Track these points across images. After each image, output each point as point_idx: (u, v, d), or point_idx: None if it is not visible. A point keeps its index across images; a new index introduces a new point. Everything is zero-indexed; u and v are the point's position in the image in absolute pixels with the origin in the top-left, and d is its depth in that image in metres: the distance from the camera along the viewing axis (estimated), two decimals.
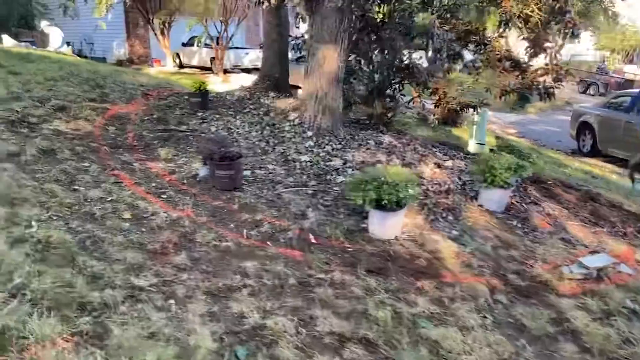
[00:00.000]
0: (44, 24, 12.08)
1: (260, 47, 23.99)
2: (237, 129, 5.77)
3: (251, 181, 4.53)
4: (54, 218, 3.21)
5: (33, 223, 3.05)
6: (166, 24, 20.67)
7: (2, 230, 2.90)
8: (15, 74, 6.68)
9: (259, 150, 5.18)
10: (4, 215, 3.05)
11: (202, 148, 4.61)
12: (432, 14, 5.81)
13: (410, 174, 3.90)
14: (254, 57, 22.04)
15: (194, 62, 22.71)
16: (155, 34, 21.25)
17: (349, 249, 3.56)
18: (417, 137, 7.05)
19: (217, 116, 6.43)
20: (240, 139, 5.45)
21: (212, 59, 21.48)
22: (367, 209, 3.80)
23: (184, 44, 22.90)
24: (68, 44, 19.24)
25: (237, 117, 6.25)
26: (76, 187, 3.79)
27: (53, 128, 4.93)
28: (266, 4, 6.81)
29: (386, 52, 6.22)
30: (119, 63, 23.81)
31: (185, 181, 4.35)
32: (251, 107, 7.21)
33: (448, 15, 6.30)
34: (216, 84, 18.54)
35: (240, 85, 9.26)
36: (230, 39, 18.88)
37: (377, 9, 6.46)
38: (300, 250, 3.43)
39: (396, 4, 5.63)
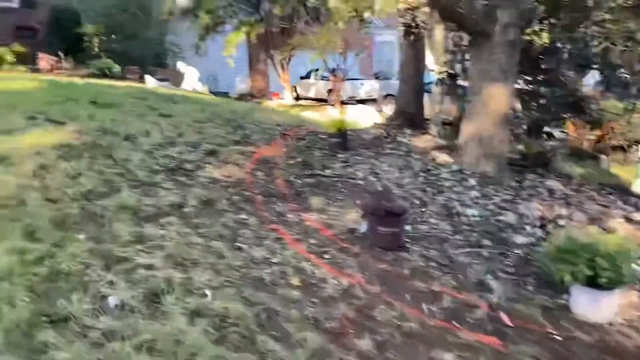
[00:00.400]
0: (180, 65, 12.82)
1: (376, 78, 23.87)
2: (386, 174, 5.38)
3: (414, 238, 4.07)
4: (226, 284, 2.99)
5: (207, 292, 2.84)
6: (286, 59, 21.35)
7: (179, 300, 2.71)
8: (166, 116, 6.95)
9: (417, 201, 4.72)
10: (179, 281, 2.88)
11: (361, 201, 4.25)
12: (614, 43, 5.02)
13: (629, 243, 3.17)
14: (369, 88, 21.97)
15: (311, 95, 23.16)
16: (276, 69, 22.06)
17: (556, 337, 2.93)
18: (581, 180, 6.18)
19: (359, 158, 6.12)
20: (392, 186, 5.03)
21: (329, 91, 21.75)
22: (570, 284, 3.14)
23: (301, 77, 23.52)
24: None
25: (381, 160, 5.89)
26: (240, 244, 3.59)
27: (208, 175, 4.90)
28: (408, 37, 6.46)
29: (552, 85, 5.51)
30: (241, 97, 25.10)
31: (343, 237, 4.00)
32: (389, 146, 6.83)
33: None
34: (334, 115, 18.67)
35: (374, 122, 8.93)
36: (349, 71, 18.90)
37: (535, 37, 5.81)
38: (497, 337, 2.87)
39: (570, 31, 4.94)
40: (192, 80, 12.99)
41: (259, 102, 22.69)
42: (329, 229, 4.10)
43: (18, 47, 12.06)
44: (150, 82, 11.60)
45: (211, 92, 29.02)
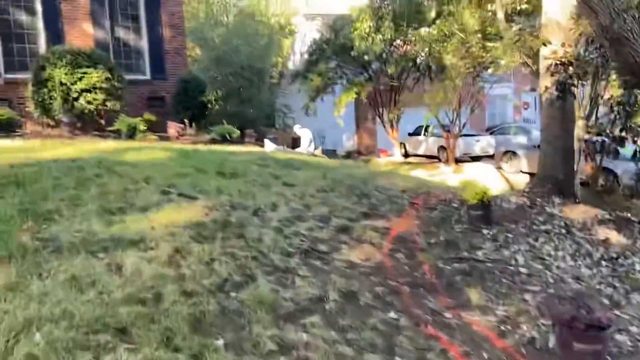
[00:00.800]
0: (296, 127, 12.80)
1: (491, 133, 22.56)
2: (554, 260, 4.49)
3: (614, 355, 3.15)
4: None
5: None
6: (396, 116, 21.04)
7: None
8: (289, 185, 6.67)
9: (605, 300, 3.78)
10: None
11: (547, 305, 3.43)
12: None
13: None
14: (484, 144, 20.77)
15: (420, 152, 22.45)
16: (384, 126, 21.78)
17: None
18: None
19: (510, 236, 5.28)
20: (567, 277, 4.13)
21: (440, 148, 20.90)
22: None
23: (409, 134, 23.00)
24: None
25: (540, 240, 4.99)
26: (395, 356, 2.95)
27: (344, 259, 4.39)
28: (549, 93, 5.64)
29: None
30: (348, 154, 25.12)
31: (523, 350, 3.19)
32: (540, 219, 5.89)
33: None
34: (447, 174, 17.75)
35: (519, 190, 8.00)
36: (463, 127, 18.02)
37: None
38: None
39: None
40: (307, 142, 12.98)
41: (367, 160, 22.46)
42: (502, 338, 3.32)
43: (149, 116, 12.90)
44: (269, 146, 11.70)
45: (321, 150, 29.59)
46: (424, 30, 12.72)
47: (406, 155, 23.00)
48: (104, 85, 10.81)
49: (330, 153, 28.19)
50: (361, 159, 23.33)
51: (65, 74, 10.46)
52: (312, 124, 29.37)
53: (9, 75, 12.13)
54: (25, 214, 4.29)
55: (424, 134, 22.05)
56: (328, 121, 26.85)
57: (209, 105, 13.38)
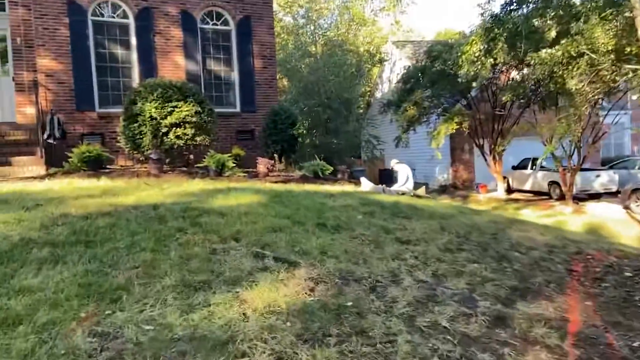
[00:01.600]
0: (393, 162, 11.51)
1: (610, 167, 19.75)
2: None
3: None
4: None
5: None
6: (500, 148, 19.08)
7: None
8: (406, 242, 5.35)
9: None
10: None
11: None
12: None
13: None
14: (605, 179, 18.15)
15: (526, 187, 20.18)
16: (485, 159, 19.85)
17: None
18: None
19: None
20: None
21: (551, 183, 18.56)
22: None
23: (514, 167, 20.82)
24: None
25: None
26: None
27: None
28: None
29: None
30: (443, 188, 23.31)
31: None
32: None
33: None
34: (566, 214, 15.47)
35: None
36: (583, 160, 15.72)
37: None
38: None
39: None
40: (404, 178, 11.59)
41: (465, 196, 20.54)
42: None
43: (237, 150, 12.24)
44: (365, 185, 10.48)
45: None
46: (544, 52, 11.01)
47: (509, 190, 20.80)
48: (193, 120, 10.23)
49: (422, 186, 26.52)
50: (457, 194, 21.43)
51: (156, 107, 10.00)
52: (401, 155, 28.01)
53: (102, 110, 12.02)
54: (87, 291, 3.33)
55: (531, 168, 19.83)
56: (418, 152, 25.28)
57: (300, 139, 12.47)
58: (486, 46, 11.61)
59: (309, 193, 7.98)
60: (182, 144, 10.25)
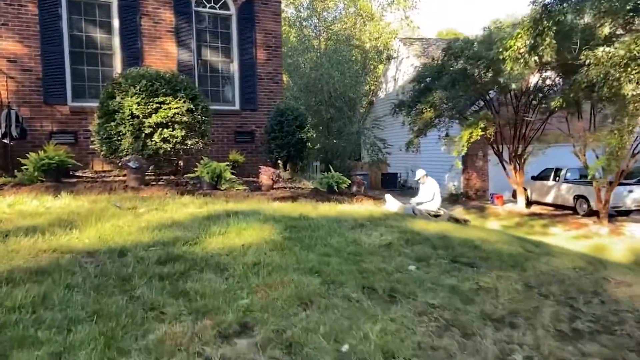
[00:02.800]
0: (419, 173, 9.70)
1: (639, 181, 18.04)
2: None
3: None
4: None
5: None
6: (523, 157, 17.38)
7: None
8: (499, 321, 3.56)
9: None
10: None
11: None
12: None
13: None
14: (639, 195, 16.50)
15: (547, 200, 18.47)
16: (504, 168, 18.13)
17: None
18: None
19: None
20: None
21: (577, 198, 16.88)
22: None
23: (533, 178, 19.11)
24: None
25: None
26: None
27: None
28: None
29: None
30: (454, 198, 21.57)
31: None
32: None
33: None
34: (603, 236, 13.78)
35: None
36: (621, 174, 14.01)
37: None
38: None
39: None
40: (429, 195, 9.81)
41: (482, 207, 18.81)
42: None
43: (236, 156, 10.41)
44: (391, 204, 8.70)
45: (410, 187, 26.11)
46: (601, 50, 9.28)
47: (528, 203, 19.09)
48: (184, 119, 8.36)
49: None
50: (472, 205, 19.68)
51: (138, 103, 8.12)
52: (406, 160, 26.26)
53: (76, 104, 10.11)
54: None
55: (554, 179, 18.12)
56: (425, 157, 23.46)
57: (309, 144, 10.64)
58: (532, 41, 9.86)
59: (330, 220, 6.15)
60: (169, 149, 8.38)
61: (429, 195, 10.01)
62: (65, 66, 10.03)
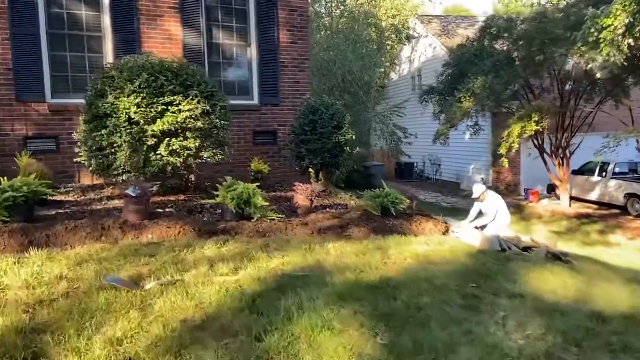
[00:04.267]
0: (478, 191, 7.72)
1: None
2: None
3: None
4: None
5: None
6: (568, 148, 15.46)
7: None
8: None
9: None
10: None
11: None
12: None
13: None
14: None
15: (591, 197, 16.61)
16: (545, 162, 16.21)
17: None
18: None
19: None
20: None
21: (630, 196, 15.04)
22: None
23: (574, 172, 17.19)
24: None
25: None
26: None
27: None
28: None
29: None
30: None
31: None
32: None
33: None
34: None
35: None
36: None
37: None
38: None
39: None
40: (493, 213, 7.85)
41: (518, 205, 16.93)
42: None
43: (258, 165, 8.41)
44: (466, 233, 6.78)
45: (427, 177, 24.01)
46: None
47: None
48: (199, 124, 6.34)
49: (449, 185, 22.81)
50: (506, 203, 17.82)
51: (138, 105, 6.08)
52: (422, 148, 24.25)
53: (56, 100, 8.04)
54: None
55: (600, 174, 16.23)
56: (445, 146, 21.44)
57: (347, 148, 8.65)
58: (631, 20, 7.83)
59: (422, 283, 4.24)
60: (179, 164, 6.38)
61: (491, 214, 8.01)
62: (42, 53, 7.92)
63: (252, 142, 9.45)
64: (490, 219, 7.94)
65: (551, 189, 18.03)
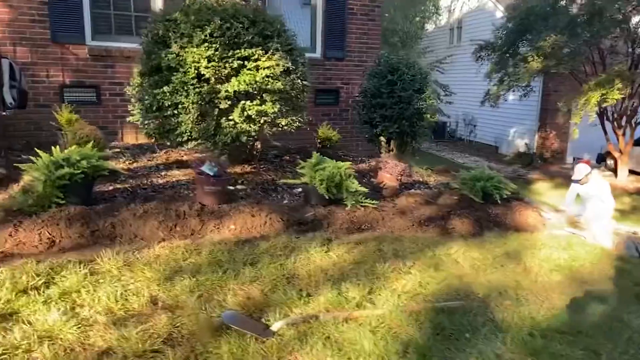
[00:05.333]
0: (582, 171, 6.53)
1: None
2: None
3: None
4: None
5: None
6: (634, 117, 14.14)
7: None
8: None
9: None
10: None
11: None
12: None
13: None
14: None
15: None
16: (605, 130, 14.95)
17: None
18: None
19: None
20: None
21: None
22: None
23: (637, 142, 15.90)
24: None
25: None
26: None
27: None
28: None
29: None
30: (526, 160, 18.53)
31: None
32: None
33: None
34: None
35: None
36: None
37: None
38: None
39: None
40: (599, 197, 6.76)
41: (569, 176, 15.81)
42: None
43: (327, 132, 7.30)
44: (597, 233, 5.74)
45: (459, 138, 22.72)
46: None
47: (615, 171, 16.07)
48: (278, 85, 5.20)
49: (486, 148, 21.57)
50: (551, 172, 16.67)
51: (209, 59, 4.93)
52: (457, 107, 22.80)
53: (97, 43, 6.85)
54: None
55: None
56: (478, 106, 20.04)
57: (427, 116, 7.50)
58: None
59: (603, 316, 3.27)
60: (254, 132, 5.29)
61: (595, 201, 6.89)
62: None
63: (313, 103, 8.28)
64: (595, 207, 6.81)
65: (601, 159, 16.87)
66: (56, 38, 6.53)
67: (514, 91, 15.62)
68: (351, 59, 8.46)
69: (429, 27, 26.80)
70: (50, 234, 3.60)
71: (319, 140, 7.20)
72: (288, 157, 6.86)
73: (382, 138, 7.58)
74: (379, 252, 4.01)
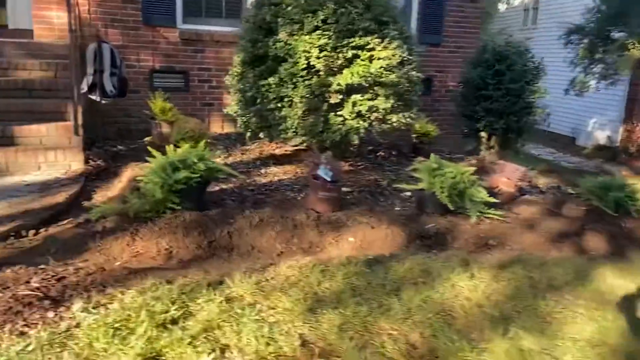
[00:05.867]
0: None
1: None
2: None
3: None
4: None
5: None
6: None
7: None
8: None
9: None
10: None
11: None
12: None
13: None
14: None
15: None
16: None
17: None
18: None
19: None
20: None
21: None
22: None
23: None
24: None
25: None
26: None
27: None
28: None
29: None
30: (608, 154, 17.19)
31: None
32: None
33: None
34: None
35: None
36: None
37: None
38: None
39: None
40: None
41: None
42: None
43: (425, 126, 6.71)
44: None
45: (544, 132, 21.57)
46: None
47: None
48: (392, 77, 4.66)
49: (563, 140, 20.20)
50: (630, 165, 15.41)
51: (321, 48, 4.45)
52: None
53: (188, 27, 6.50)
54: None
55: None
56: (558, 93, 18.64)
57: (536, 109, 6.79)
58: None
59: None
60: (363, 130, 4.80)
61: None
62: None
63: None
64: None
65: None
66: (148, 20, 6.22)
67: (603, 80, 14.40)
68: (447, 45, 7.79)
69: (501, 7, 25.30)
70: (167, 244, 3.27)
71: (415, 135, 6.63)
72: (383, 154, 6.35)
73: (482, 134, 6.93)
74: (528, 279, 3.46)
